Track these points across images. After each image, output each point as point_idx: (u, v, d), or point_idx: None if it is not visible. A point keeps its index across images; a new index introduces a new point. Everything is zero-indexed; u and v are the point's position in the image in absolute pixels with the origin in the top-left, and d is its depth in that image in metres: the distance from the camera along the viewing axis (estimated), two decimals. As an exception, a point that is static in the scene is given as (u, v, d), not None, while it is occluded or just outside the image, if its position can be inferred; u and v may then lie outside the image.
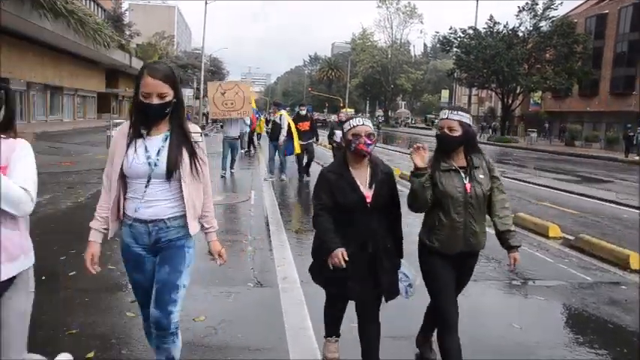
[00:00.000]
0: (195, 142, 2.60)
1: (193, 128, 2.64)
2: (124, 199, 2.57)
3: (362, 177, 2.99)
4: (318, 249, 3.10)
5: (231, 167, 13.08)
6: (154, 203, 2.51)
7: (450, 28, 44.62)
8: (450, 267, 3.03)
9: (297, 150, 12.42)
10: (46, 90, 27.69)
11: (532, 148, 35.74)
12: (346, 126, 3.02)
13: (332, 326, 3.34)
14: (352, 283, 2.94)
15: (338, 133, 12.57)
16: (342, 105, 60.34)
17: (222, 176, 12.41)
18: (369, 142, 2.93)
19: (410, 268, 3.15)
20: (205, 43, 47.56)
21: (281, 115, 12.71)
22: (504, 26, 42.67)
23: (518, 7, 41.98)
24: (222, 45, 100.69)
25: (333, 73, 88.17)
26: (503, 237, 3.06)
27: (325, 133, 15.92)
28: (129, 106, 2.73)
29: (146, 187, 2.50)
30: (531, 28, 42.20)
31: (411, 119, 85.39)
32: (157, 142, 2.53)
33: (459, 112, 3.00)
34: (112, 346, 3.55)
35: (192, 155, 2.56)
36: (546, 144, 41.04)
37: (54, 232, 6.58)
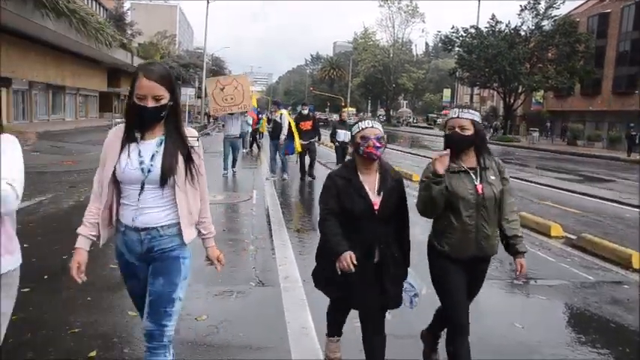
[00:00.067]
0: (192, 147, 2.48)
1: (190, 133, 2.53)
2: (118, 204, 2.46)
3: (371, 183, 2.89)
4: (322, 253, 3.04)
5: (233, 166, 13.07)
6: (147, 210, 2.39)
7: (452, 28, 44.62)
8: (461, 271, 2.93)
9: (298, 149, 12.42)
10: (48, 89, 27.74)
11: (534, 148, 35.71)
12: (355, 129, 2.93)
13: (334, 326, 3.30)
14: (357, 292, 2.87)
15: (340, 132, 12.57)
16: (343, 104, 60.30)
17: (224, 176, 12.42)
18: (378, 145, 2.83)
19: (416, 277, 3.05)
20: (207, 43, 47.55)
21: (281, 114, 12.71)
22: (506, 25, 42.61)
23: (521, 6, 41.92)
24: (223, 44, 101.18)
25: (334, 73, 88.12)
26: (510, 242, 2.97)
27: (327, 133, 15.89)
28: (124, 107, 2.52)
29: (140, 193, 2.38)
30: (533, 27, 42.11)
31: (413, 118, 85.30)
32: (151, 146, 2.41)
33: (470, 111, 2.91)
34: (114, 345, 3.55)
35: (188, 161, 2.45)
36: (548, 143, 40.99)
37: (56, 231, 6.59)
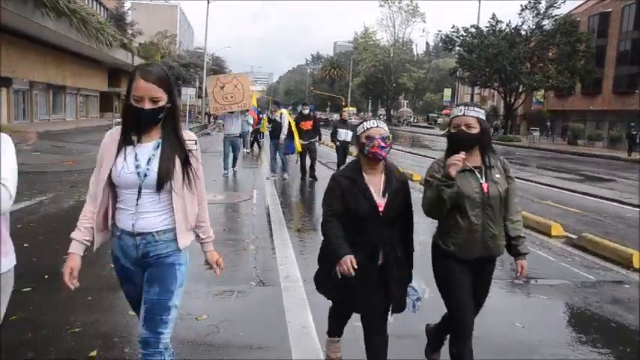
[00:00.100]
0: (190, 150, 2.43)
1: (188, 136, 2.48)
2: (114, 208, 2.41)
3: (376, 184, 2.85)
4: (324, 256, 2.99)
5: (234, 166, 13.06)
6: (144, 215, 2.35)
7: (453, 27, 44.60)
8: (467, 272, 2.88)
9: (298, 148, 12.41)
10: (48, 89, 27.78)
11: (534, 147, 35.70)
12: (359, 128, 2.89)
13: (335, 327, 3.29)
14: (359, 295, 2.83)
15: (341, 132, 12.54)
16: (344, 104, 60.26)
17: (224, 175, 12.42)
18: (383, 144, 2.78)
19: (419, 281, 2.99)
20: (207, 42, 47.58)
21: (281, 113, 12.71)
22: (507, 25, 42.60)
23: (521, 5, 41.88)
24: (224, 44, 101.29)
25: (335, 72, 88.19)
26: (512, 243, 2.93)
27: (327, 132, 15.87)
28: (121, 107, 2.45)
29: (138, 198, 2.33)
30: (534, 27, 42.08)
31: (414, 118, 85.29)
32: (148, 150, 2.35)
33: (476, 108, 2.83)
34: (114, 344, 3.55)
35: (186, 165, 2.39)
36: (549, 143, 40.98)
37: (56, 231, 6.59)
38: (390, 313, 2.95)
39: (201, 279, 4.52)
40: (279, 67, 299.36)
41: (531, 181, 14.74)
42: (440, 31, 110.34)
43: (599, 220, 9.50)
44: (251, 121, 17.59)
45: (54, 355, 3.36)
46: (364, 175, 2.86)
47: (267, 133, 15.26)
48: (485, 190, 2.80)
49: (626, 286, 5.47)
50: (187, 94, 34.05)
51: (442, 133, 22.74)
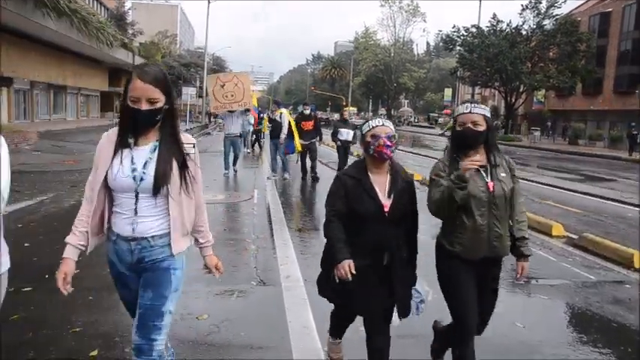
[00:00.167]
0: (187, 154, 2.37)
1: (186, 139, 2.42)
2: (110, 212, 2.35)
3: (381, 184, 2.79)
4: (327, 259, 2.94)
5: (234, 164, 13.06)
6: (140, 220, 2.30)
7: (453, 27, 44.51)
8: (472, 273, 2.82)
9: (298, 148, 12.41)
10: (49, 89, 27.81)
11: (535, 147, 35.67)
12: (365, 127, 2.83)
13: (337, 329, 3.25)
14: (361, 298, 2.78)
15: (342, 131, 12.51)
16: (344, 104, 60.28)
17: (225, 175, 12.42)
18: (389, 144, 2.72)
19: (423, 283, 2.95)
20: (208, 42, 47.58)
21: (281, 113, 12.71)
22: (507, 25, 42.53)
23: (522, 5, 41.82)
24: (224, 44, 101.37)
25: (335, 72, 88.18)
26: (516, 244, 2.89)
27: (328, 132, 15.85)
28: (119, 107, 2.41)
29: (136, 202, 2.28)
30: (535, 27, 42.02)
31: (414, 118, 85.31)
32: (145, 153, 2.30)
33: (482, 106, 2.79)
34: (115, 344, 3.55)
35: (183, 168, 2.33)
36: (549, 142, 40.95)
37: (57, 230, 6.59)
38: (395, 317, 2.89)
39: (202, 279, 4.50)
40: (280, 66, 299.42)
41: (532, 181, 14.71)
42: (440, 30, 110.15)
43: (599, 220, 9.49)
44: (252, 121, 17.60)
45: (55, 355, 3.36)
46: (369, 174, 2.80)
47: (267, 132, 15.27)
48: (491, 189, 2.75)
49: (627, 286, 5.47)
50: (188, 93, 34.08)
51: (440, 132, 22.57)
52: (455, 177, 2.65)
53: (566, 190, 13.28)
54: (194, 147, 2.44)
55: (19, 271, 4.92)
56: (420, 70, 79.61)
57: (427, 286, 2.96)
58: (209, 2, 43.26)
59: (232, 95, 12.45)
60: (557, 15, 41.23)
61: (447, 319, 3.07)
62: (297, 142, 12.35)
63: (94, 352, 3.39)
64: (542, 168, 20.35)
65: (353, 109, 61.70)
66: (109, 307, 4.18)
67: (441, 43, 60.99)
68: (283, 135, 12.32)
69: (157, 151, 2.31)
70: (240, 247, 6.19)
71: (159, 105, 2.26)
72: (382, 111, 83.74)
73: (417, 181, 11.96)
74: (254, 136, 19.47)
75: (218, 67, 57.69)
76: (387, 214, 2.74)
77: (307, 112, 12.96)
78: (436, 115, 78.56)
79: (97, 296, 4.34)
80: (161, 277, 2.36)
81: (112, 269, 2.44)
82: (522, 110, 52.26)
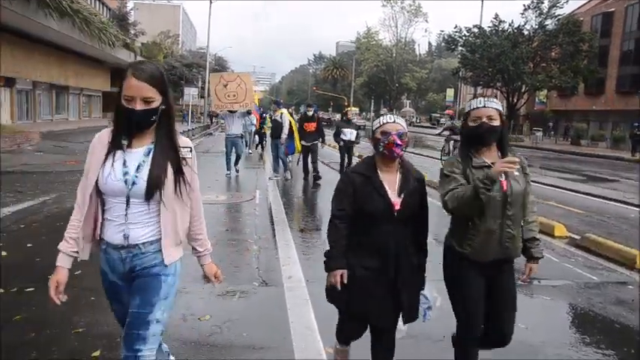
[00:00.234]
0: (184, 158, 2.25)
1: (183, 142, 2.29)
2: (103, 218, 2.23)
3: (391, 182, 2.68)
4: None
5: (236, 164, 13.06)
6: (131, 226, 2.18)
7: (455, 27, 44.44)
8: (481, 277, 2.72)
9: (298, 148, 12.40)
10: (51, 89, 27.82)
11: (537, 147, 35.58)
12: (375, 123, 2.73)
13: (344, 337, 3.05)
14: (372, 302, 2.67)
15: (346, 131, 12.50)
16: (346, 104, 60.30)
17: (226, 176, 12.44)
18: (399, 142, 2.62)
19: (432, 288, 2.85)
20: (210, 42, 47.67)
21: (282, 113, 12.70)
22: (509, 25, 42.47)
23: (524, 5, 41.77)
24: (226, 44, 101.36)
25: (337, 72, 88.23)
26: (526, 245, 2.78)
27: (330, 132, 15.85)
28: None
29: (127, 207, 2.16)
30: (537, 27, 41.95)
31: (416, 118, 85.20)
32: (138, 155, 2.18)
33: (495, 100, 2.68)
34: (117, 344, 3.52)
35: (178, 173, 2.21)
36: (551, 143, 40.86)
37: (59, 231, 6.57)
38: (400, 323, 2.79)
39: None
40: (282, 67, 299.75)
41: (534, 182, 14.64)
42: (442, 31, 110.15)
43: (602, 220, 9.47)
44: (254, 121, 17.60)
45: (57, 355, 3.36)
46: (379, 172, 2.70)
47: (269, 133, 15.27)
48: (505, 187, 2.63)
49: (630, 287, 5.45)
50: (190, 94, 34.08)
51: (437, 132, 22.27)
52: (485, 177, 2.49)
53: (568, 190, 13.25)
54: (191, 150, 2.32)
55: (22, 272, 4.93)
56: (422, 70, 79.70)
57: (436, 292, 2.86)
58: (211, 2, 43.31)
59: (235, 95, 12.45)
60: (559, 15, 41.18)
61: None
62: (298, 142, 12.34)
63: (97, 353, 3.39)
64: (544, 168, 20.31)
65: (355, 110, 61.61)
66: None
67: (442, 44, 60.81)
68: (284, 135, 12.32)
69: (151, 154, 2.19)
70: (242, 248, 6.19)
71: (154, 105, 2.14)
72: (384, 111, 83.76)
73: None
74: (256, 136, 19.49)
75: (220, 67, 57.79)
76: (396, 213, 2.64)
77: (310, 113, 12.87)
78: (438, 115, 78.49)
79: (99, 296, 4.34)
80: (150, 283, 2.23)
81: (104, 279, 2.32)
82: (524, 110, 52.20)
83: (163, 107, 2.18)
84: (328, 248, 2.75)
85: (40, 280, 4.60)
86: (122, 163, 2.16)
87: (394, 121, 2.69)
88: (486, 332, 2.84)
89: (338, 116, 43.48)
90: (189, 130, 26.90)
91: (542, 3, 41.09)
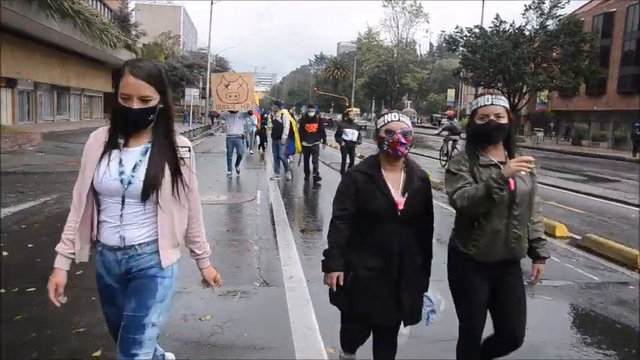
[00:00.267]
0: (182, 158, 2.19)
1: (181, 142, 2.24)
2: (98, 220, 2.19)
3: (395, 181, 2.64)
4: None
5: (237, 165, 13.06)
6: (127, 227, 2.13)
7: (456, 27, 44.37)
8: (486, 280, 2.68)
9: (299, 149, 12.39)
10: (53, 90, 27.84)
11: (538, 148, 35.54)
12: (380, 122, 2.69)
13: (348, 346, 3.01)
14: (375, 302, 2.64)
15: (347, 132, 12.48)
16: (347, 104, 60.29)
17: (227, 176, 12.45)
18: (404, 140, 2.57)
19: (436, 291, 2.81)
20: (211, 43, 47.68)
21: (282, 113, 12.70)
22: (511, 25, 42.39)
23: (525, 5, 41.68)
24: (227, 44, 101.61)
25: (338, 73, 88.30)
26: (532, 245, 2.74)
27: (331, 133, 15.85)
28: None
29: (122, 208, 2.11)
30: (538, 27, 41.88)
31: (417, 118, 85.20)
32: (135, 155, 2.12)
33: (502, 98, 2.63)
34: (118, 345, 3.55)
35: (176, 174, 2.15)
36: (553, 143, 40.85)
37: (60, 231, 6.60)
38: (403, 324, 2.77)
39: (205, 279, 4.53)
40: (283, 67, 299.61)
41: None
42: (443, 31, 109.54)
43: (603, 220, 9.46)
44: (255, 122, 17.61)
45: (58, 355, 3.36)
46: (382, 171, 2.66)
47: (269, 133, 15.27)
48: (512, 186, 2.54)
49: (631, 287, 5.44)
50: (191, 94, 34.11)
51: (436, 132, 22.19)
52: (498, 177, 2.42)
53: (569, 190, 13.24)
54: (189, 150, 2.27)
55: (23, 272, 4.93)
56: (423, 70, 79.75)
57: (440, 295, 2.82)
58: (212, 3, 43.36)
59: (236, 96, 12.46)
60: (560, 15, 41.09)
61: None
62: (298, 143, 12.34)
63: (97, 353, 3.39)
64: (545, 169, 20.27)
65: (356, 110, 61.64)
66: (112, 308, 4.19)
67: (444, 44, 60.81)
68: (285, 136, 12.32)
69: (148, 153, 2.13)
70: (243, 248, 6.20)
71: (152, 103, 2.09)
72: (385, 111, 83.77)
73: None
74: (257, 137, 19.50)
75: (221, 67, 57.83)
76: (399, 213, 2.60)
77: (312, 114, 12.81)
78: (439, 115, 78.47)
79: (100, 296, 4.34)
80: (146, 285, 2.17)
81: (99, 282, 2.27)
82: (525, 111, 52.12)
83: (161, 106, 2.13)
84: (327, 247, 2.73)
85: (41, 281, 4.60)
86: (118, 162, 2.11)
87: (399, 120, 2.64)
88: (497, 335, 2.82)
89: (339, 117, 43.53)
90: (190, 130, 26.93)
91: (544, 3, 41.03)
